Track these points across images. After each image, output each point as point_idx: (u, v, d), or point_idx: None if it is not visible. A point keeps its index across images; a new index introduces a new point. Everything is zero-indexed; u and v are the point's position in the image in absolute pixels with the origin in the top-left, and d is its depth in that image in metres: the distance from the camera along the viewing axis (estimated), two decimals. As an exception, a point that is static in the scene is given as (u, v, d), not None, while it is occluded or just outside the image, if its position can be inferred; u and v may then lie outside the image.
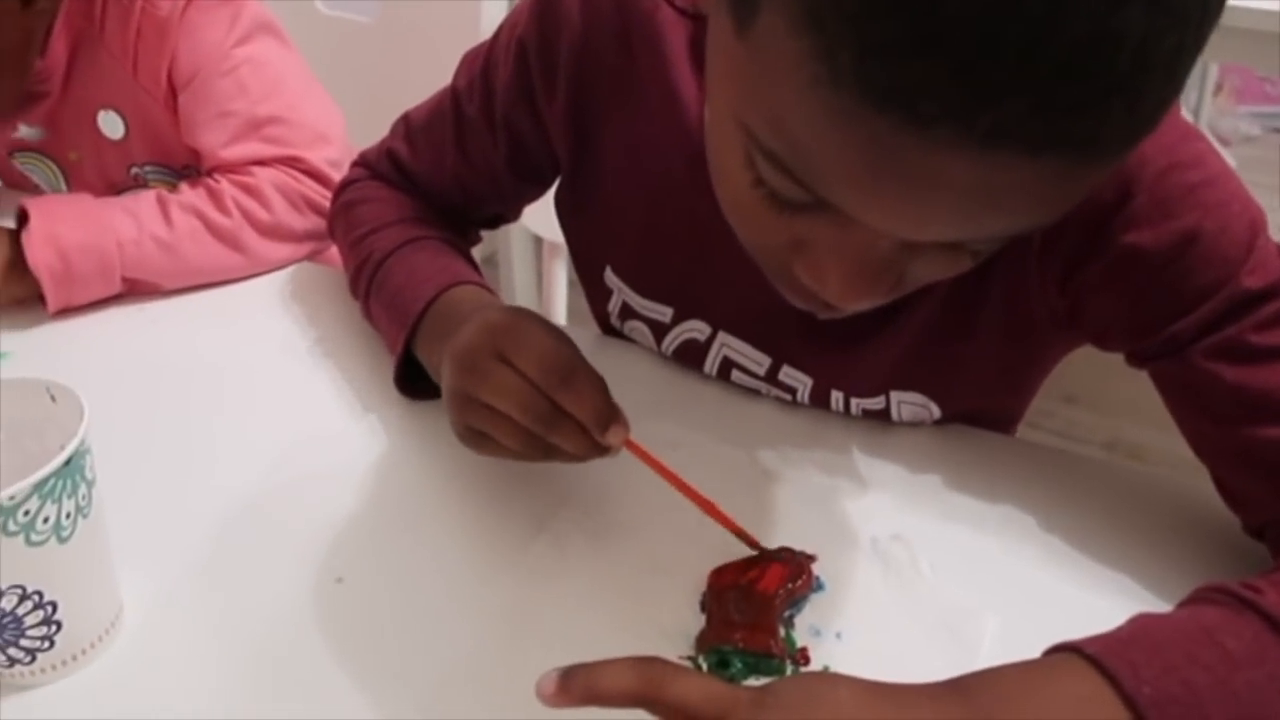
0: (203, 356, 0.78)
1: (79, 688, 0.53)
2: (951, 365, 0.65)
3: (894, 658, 0.51)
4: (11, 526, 0.48)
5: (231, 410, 0.72)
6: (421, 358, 0.69)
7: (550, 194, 0.79)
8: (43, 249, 0.79)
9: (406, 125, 0.80)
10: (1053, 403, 1.88)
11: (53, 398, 0.54)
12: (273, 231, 0.86)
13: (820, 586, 0.57)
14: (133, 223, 0.81)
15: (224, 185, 0.85)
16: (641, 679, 0.42)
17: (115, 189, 0.92)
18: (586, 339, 0.80)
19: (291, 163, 0.87)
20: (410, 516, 0.63)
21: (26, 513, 0.48)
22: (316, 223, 0.88)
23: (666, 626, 0.55)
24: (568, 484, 0.64)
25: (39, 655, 0.52)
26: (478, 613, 0.57)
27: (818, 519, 0.62)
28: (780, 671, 0.52)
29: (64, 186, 0.97)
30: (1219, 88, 2.93)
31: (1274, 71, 2.26)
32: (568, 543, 0.61)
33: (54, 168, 0.96)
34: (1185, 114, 0.58)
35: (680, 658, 0.53)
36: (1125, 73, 0.35)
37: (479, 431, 0.58)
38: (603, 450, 0.56)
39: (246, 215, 0.84)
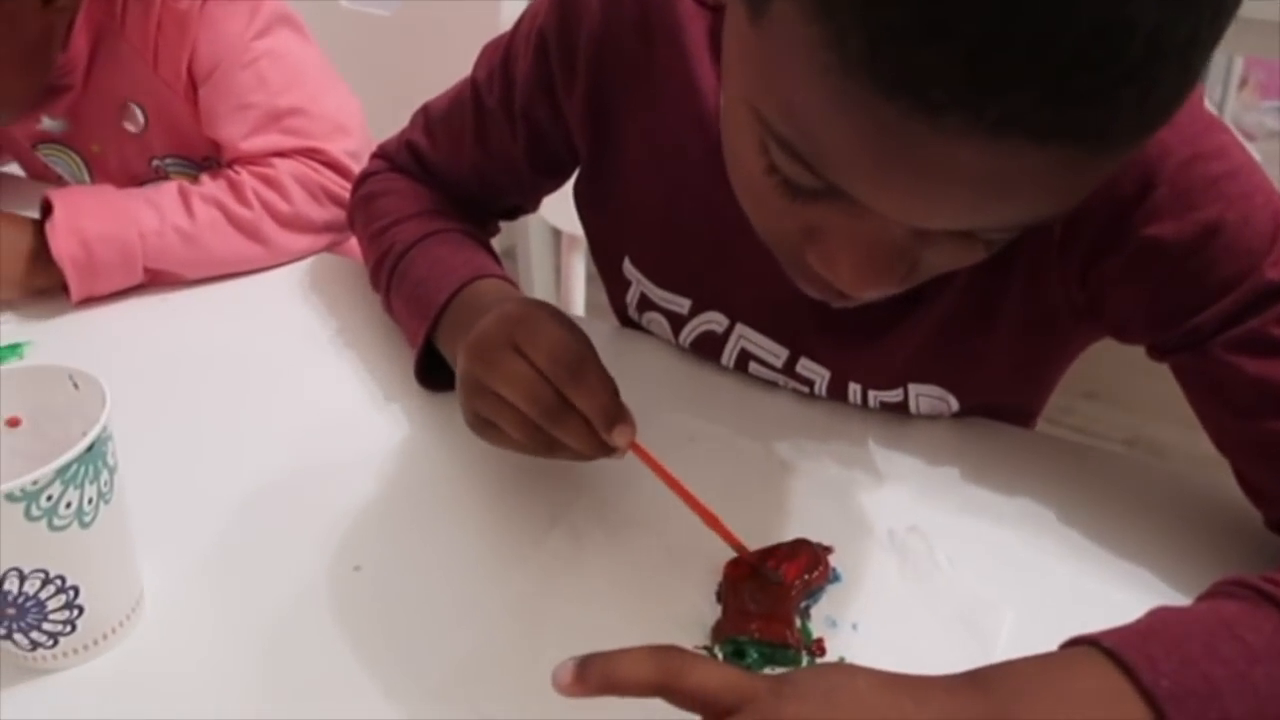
0: (223, 346, 0.79)
1: (100, 672, 0.54)
2: (970, 358, 0.65)
3: (910, 650, 0.51)
4: (35, 511, 0.49)
5: (252, 399, 0.73)
6: (444, 350, 0.69)
7: (569, 186, 0.79)
8: (66, 239, 0.79)
9: (426, 117, 0.80)
10: (1073, 399, 1.87)
11: (75, 385, 0.54)
12: (292, 222, 0.86)
13: (837, 578, 0.57)
14: (155, 214, 0.82)
15: (244, 177, 0.86)
16: (660, 667, 0.41)
17: (137, 181, 0.93)
18: (604, 332, 0.80)
19: (311, 154, 0.88)
20: (428, 506, 0.64)
21: (49, 498, 0.49)
22: (336, 214, 0.88)
23: (682, 617, 0.55)
24: (585, 476, 0.64)
25: (61, 639, 0.53)
26: (494, 602, 0.57)
27: (835, 511, 0.62)
28: (796, 662, 0.52)
29: (87, 178, 0.98)
30: (1243, 82, 2.90)
31: (1300, 65, 2.24)
32: (584, 533, 0.61)
33: (77, 160, 0.97)
34: (1209, 108, 0.57)
35: (696, 648, 0.53)
36: (1137, 63, 0.35)
37: (488, 421, 0.58)
38: (607, 450, 0.56)
39: (266, 206, 0.85)
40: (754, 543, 0.58)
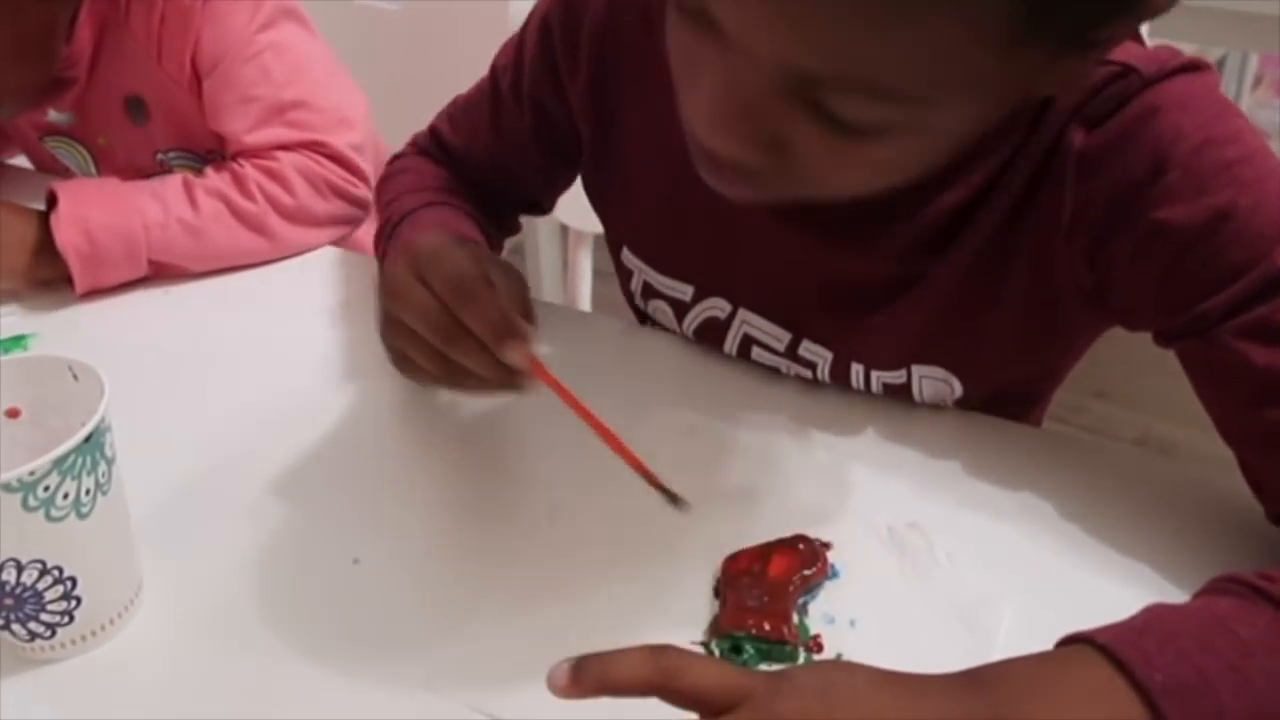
0: (227, 339, 0.79)
1: (99, 662, 0.54)
2: (973, 337, 0.64)
3: (908, 646, 0.50)
4: (32, 502, 0.49)
5: (254, 393, 0.73)
6: None
7: (579, 184, 0.80)
8: (70, 231, 0.79)
9: (453, 105, 0.82)
10: (1084, 398, 1.86)
11: (75, 376, 0.54)
12: (296, 215, 0.86)
13: (835, 574, 0.57)
14: (159, 206, 0.82)
15: (248, 170, 0.86)
16: (656, 668, 0.41)
17: (143, 173, 0.93)
18: (612, 328, 0.80)
19: (315, 147, 0.88)
20: (426, 500, 0.64)
21: (47, 488, 0.49)
22: (340, 207, 0.88)
23: (679, 612, 0.55)
24: (583, 468, 0.64)
25: (59, 630, 0.53)
26: (492, 596, 0.57)
27: (835, 506, 0.61)
28: (793, 659, 0.52)
29: (93, 170, 0.98)
30: (1258, 80, 2.88)
31: (1315, 62, 2.22)
32: (583, 528, 0.61)
33: (83, 152, 0.97)
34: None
35: (693, 643, 0.53)
36: None
37: (405, 354, 0.59)
38: (510, 375, 0.56)
39: (270, 200, 0.85)
40: (753, 538, 0.58)
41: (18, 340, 0.78)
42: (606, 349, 0.77)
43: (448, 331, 0.55)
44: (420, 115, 0.83)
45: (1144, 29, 0.59)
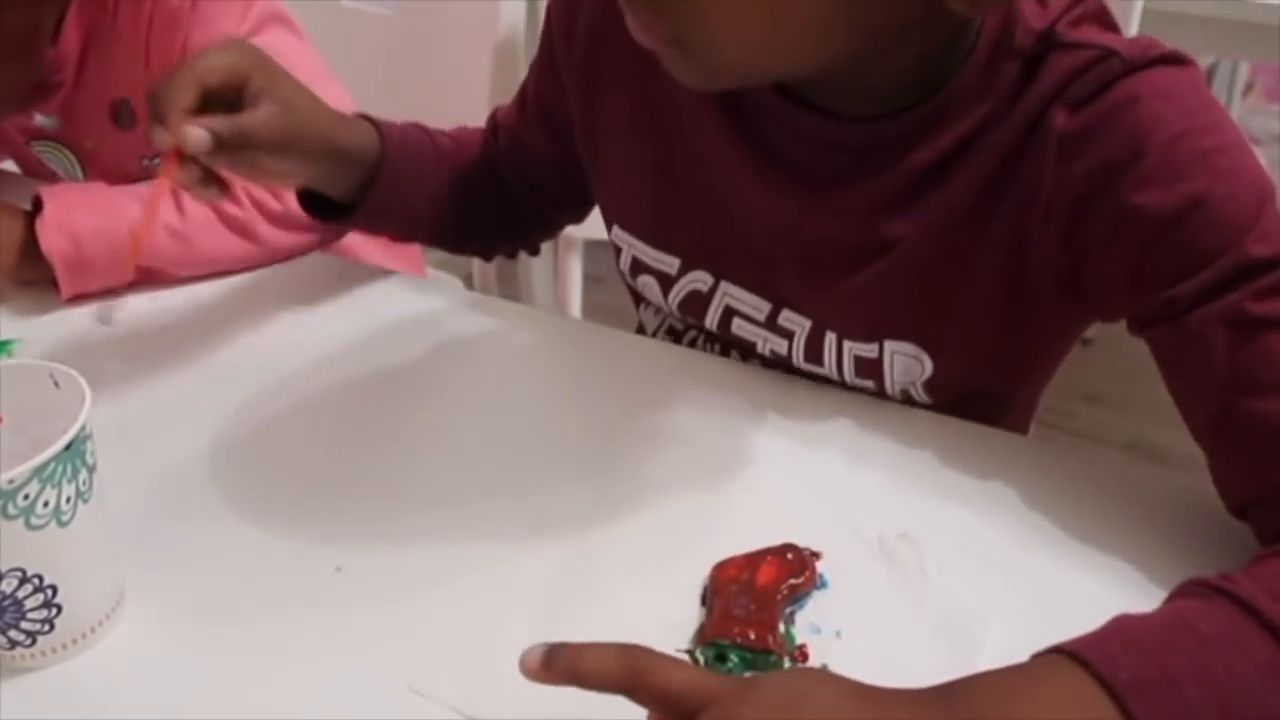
0: (212, 345, 0.78)
1: (80, 671, 0.54)
2: (945, 313, 0.65)
3: (893, 658, 0.50)
4: (11, 510, 0.48)
5: (239, 398, 0.72)
6: None
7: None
8: (56, 236, 0.79)
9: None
10: (1074, 403, 1.86)
11: (56, 383, 0.54)
12: (284, 221, 0.86)
13: (824, 584, 0.57)
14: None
15: (235, 174, 0.85)
16: (624, 665, 0.42)
17: (131, 178, 0.93)
18: (599, 335, 0.80)
19: (304, 152, 0.87)
20: (409, 508, 0.63)
21: (26, 496, 0.48)
22: (328, 212, 0.88)
23: (667, 619, 0.55)
24: (570, 475, 0.64)
25: (39, 638, 0.53)
26: (476, 604, 0.56)
27: (824, 516, 0.61)
28: (778, 668, 0.52)
29: (80, 174, 0.97)
30: (1249, 87, 2.89)
31: (1306, 70, 2.23)
32: (569, 535, 0.60)
33: (70, 156, 0.96)
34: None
35: (679, 651, 0.53)
36: None
37: None
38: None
39: (258, 205, 0.85)
40: (743, 547, 0.58)
41: (2, 345, 0.77)
42: (593, 357, 0.77)
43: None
44: (410, 120, 0.82)
45: (1132, 31, 0.60)
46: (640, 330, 0.86)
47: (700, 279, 0.73)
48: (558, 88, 0.76)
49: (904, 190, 0.62)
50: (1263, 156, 0.65)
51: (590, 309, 1.38)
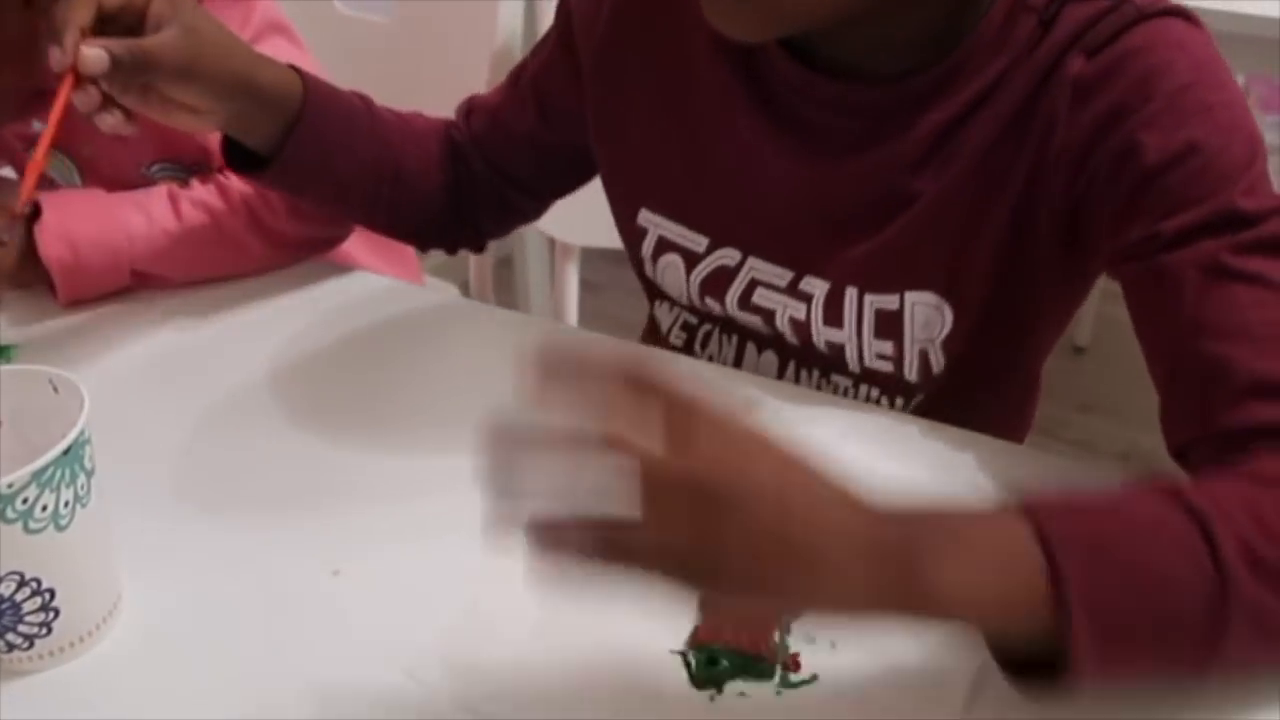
0: (210, 351, 0.79)
1: (77, 674, 0.54)
2: (963, 259, 0.66)
3: (886, 670, 0.51)
4: (10, 514, 0.49)
5: (235, 404, 0.73)
6: None
7: (568, 199, 0.82)
8: (54, 243, 0.79)
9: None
10: (1069, 412, 1.87)
11: (55, 388, 0.54)
12: (281, 228, 0.86)
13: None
14: (143, 217, 0.82)
15: (234, 182, 0.85)
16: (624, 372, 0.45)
17: (129, 185, 0.93)
18: (595, 341, 0.80)
19: (302, 160, 0.87)
20: (407, 512, 0.63)
21: (25, 500, 0.49)
22: (325, 220, 0.88)
23: (662, 619, 0.55)
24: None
25: (37, 641, 0.53)
26: (473, 604, 0.57)
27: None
28: (769, 676, 0.52)
29: (78, 181, 0.97)
30: (1245, 95, 2.90)
31: (1299, 80, 2.24)
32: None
33: (68, 163, 0.96)
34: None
35: (671, 653, 0.53)
36: None
37: None
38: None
39: (255, 212, 0.85)
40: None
41: (1, 352, 0.77)
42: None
43: None
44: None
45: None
46: (651, 332, 0.86)
47: (729, 255, 0.73)
48: (569, 73, 0.76)
49: (924, 147, 0.64)
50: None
51: (587, 316, 1.38)
